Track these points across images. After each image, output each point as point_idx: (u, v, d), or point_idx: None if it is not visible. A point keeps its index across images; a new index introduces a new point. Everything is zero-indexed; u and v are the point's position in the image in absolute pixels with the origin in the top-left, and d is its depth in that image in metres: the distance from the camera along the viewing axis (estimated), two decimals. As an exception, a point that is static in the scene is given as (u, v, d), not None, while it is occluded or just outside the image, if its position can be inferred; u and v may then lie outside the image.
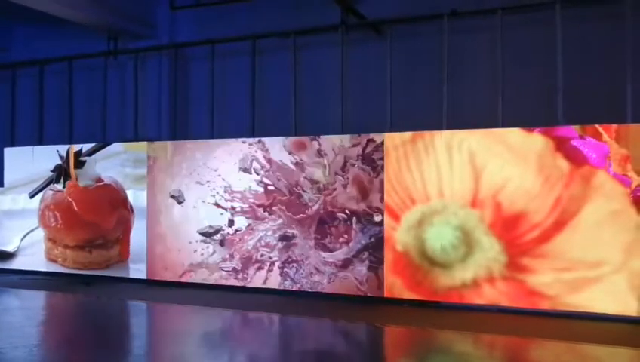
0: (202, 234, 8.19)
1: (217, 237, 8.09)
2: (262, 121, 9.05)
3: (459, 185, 6.81)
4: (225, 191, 8.06)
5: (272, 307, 7.04)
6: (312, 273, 7.59)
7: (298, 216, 7.67)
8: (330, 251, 7.51)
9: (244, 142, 8.06)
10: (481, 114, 7.81)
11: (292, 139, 7.82)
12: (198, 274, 8.18)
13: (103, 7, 9.33)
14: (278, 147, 7.80)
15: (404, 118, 8.03)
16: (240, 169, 8.03)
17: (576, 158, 6.34)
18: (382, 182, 7.23)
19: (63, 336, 6.18)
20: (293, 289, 7.67)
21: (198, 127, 9.67)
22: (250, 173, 7.96)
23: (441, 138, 6.93)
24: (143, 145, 8.76)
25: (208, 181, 8.17)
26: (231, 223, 8.02)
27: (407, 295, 7.03)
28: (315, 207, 7.57)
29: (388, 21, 8.30)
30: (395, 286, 7.09)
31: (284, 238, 7.74)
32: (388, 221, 7.14)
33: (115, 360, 5.06)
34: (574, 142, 6.36)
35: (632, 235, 6.12)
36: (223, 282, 8.03)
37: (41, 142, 10.39)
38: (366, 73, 8.65)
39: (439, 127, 7.46)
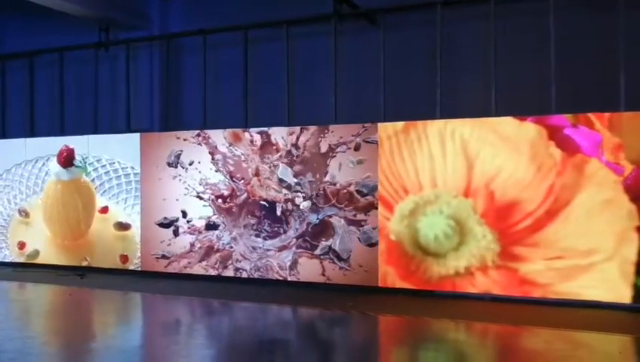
0: (158, 225, 8.35)
1: (173, 228, 8.32)
2: (255, 112, 9.01)
3: (452, 174, 6.81)
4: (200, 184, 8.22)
5: (265, 297, 7.05)
6: (238, 260, 7.90)
7: (227, 206, 7.97)
8: (259, 238, 7.82)
9: (178, 137, 8.28)
10: (475, 103, 7.81)
11: (229, 131, 8.03)
12: (181, 264, 8.26)
13: (94, -3, 9.27)
14: (220, 139, 8.06)
15: (397, 108, 8.02)
16: (166, 163, 8.28)
17: (568, 147, 6.35)
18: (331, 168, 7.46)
19: (57, 328, 6.18)
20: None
21: (190, 117, 9.63)
22: (175, 167, 8.23)
23: (434, 127, 6.93)
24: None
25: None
26: (184, 214, 8.19)
27: (401, 284, 7.05)
28: (243, 197, 7.87)
29: (381, 10, 8.26)
30: (389, 275, 7.11)
31: (211, 227, 8.03)
32: (382, 211, 7.15)
33: (109, 351, 5.06)
34: (567, 131, 6.37)
35: (624, 223, 6.14)
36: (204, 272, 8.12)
37: (32, 134, 10.33)
38: (359, 63, 8.61)
39: (433, 117, 7.45)
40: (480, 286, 6.69)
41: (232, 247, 7.96)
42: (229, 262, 7.98)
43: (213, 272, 8.07)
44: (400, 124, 7.11)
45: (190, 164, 8.18)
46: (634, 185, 6.13)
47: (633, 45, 7.04)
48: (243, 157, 7.92)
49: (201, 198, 8.12)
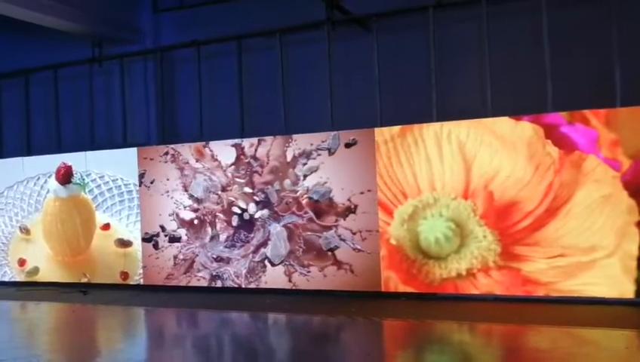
0: (142, 239, 8.49)
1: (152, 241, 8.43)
2: (251, 121, 9.02)
3: (450, 176, 6.82)
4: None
5: (269, 307, 7.04)
6: (199, 269, 8.06)
7: (188, 219, 8.17)
8: (222, 248, 8.00)
9: (145, 157, 8.42)
10: (471, 104, 7.81)
11: (193, 146, 8.17)
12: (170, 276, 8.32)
13: (86, 14, 9.25)
14: (188, 154, 8.21)
15: (394, 112, 8.02)
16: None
17: (565, 145, 6.36)
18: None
19: (63, 346, 6.17)
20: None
21: (187, 129, 9.62)
22: (141, 186, 8.42)
23: (430, 130, 6.94)
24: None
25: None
26: (163, 228, 8.31)
27: (403, 288, 7.05)
28: (205, 210, 8.09)
29: (373, 16, 8.27)
30: (391, 280, 7.10)
31: (173, 239, 8.23)
32: (381, 216, 7.15)
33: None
34: (563, 129, 6.39)
35: (623, 218, 6.15)
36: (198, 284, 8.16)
37: (29, 152, 10.32)
38: (354, 68, 8.61)
39: (429, 120, 7.46)
40: (482, 288, 6.69)
41: (196, 255, 8.12)
42: (196, 271, 8.13)
43: (204, 283, 8.11)
44: (396, 129, 7.12)
45: (152, 183, 8.34)
46: (632, 180, 6.14)
47: (627, 41, 7.04)
48: (205, 172, 8.07)
49: (195, 212, 8.14)
